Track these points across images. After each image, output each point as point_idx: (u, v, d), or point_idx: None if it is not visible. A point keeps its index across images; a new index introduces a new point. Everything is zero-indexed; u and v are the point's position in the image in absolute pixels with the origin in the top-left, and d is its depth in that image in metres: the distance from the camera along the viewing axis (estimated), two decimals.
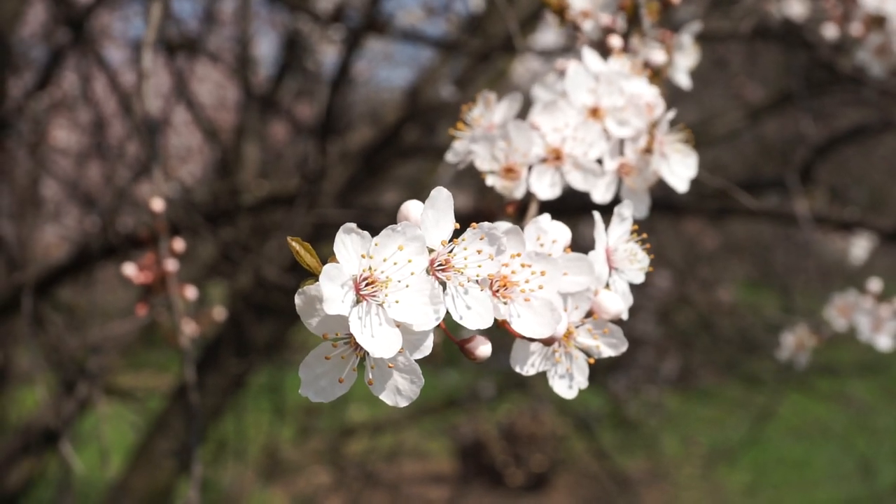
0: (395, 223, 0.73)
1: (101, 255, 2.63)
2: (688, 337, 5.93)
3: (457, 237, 0.76)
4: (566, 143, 1.04)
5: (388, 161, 3.44)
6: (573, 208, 2.17)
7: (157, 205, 1.51)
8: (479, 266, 0.75)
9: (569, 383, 0.87)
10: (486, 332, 0.78)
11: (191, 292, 1.62)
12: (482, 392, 5.81)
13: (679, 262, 5.56)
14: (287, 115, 4.31)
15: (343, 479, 5.06)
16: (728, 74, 4.51)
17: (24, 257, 3.55)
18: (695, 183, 1.12)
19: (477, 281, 0.75)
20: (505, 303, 0.78)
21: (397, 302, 0.72)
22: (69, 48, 3.32)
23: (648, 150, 1.07)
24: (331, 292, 0.69)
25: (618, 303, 0.87)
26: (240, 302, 3.17)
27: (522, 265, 0.79)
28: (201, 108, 4.11)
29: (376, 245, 0.72)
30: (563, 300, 0.85)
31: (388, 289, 0.72)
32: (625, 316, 0.88)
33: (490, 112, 1.09)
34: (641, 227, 0.95)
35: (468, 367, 6.11)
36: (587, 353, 0.87)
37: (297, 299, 0.72)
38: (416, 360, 0.74)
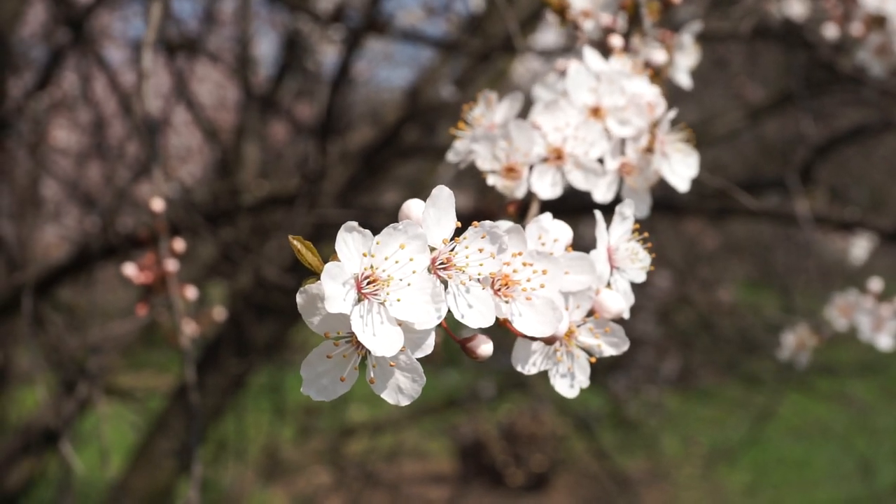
0: (396, 223, 0.73)
1: (102, 255, 2.63)
2: (688, 337, 5.93)
3: (458, 236, 0.76)
4: (567, 143, 1.04)
5: (388, 161, 3.44)
6: (574, 208, 2.17)
7: (157, 205, 1.51)
8: (481, 265, 0.75)
9: (570, 382, 0.87)
10: (487, 332, 0.78)
11: (191, 292, 1.62)
12: (482, 392, 5.80)
13: (679, 262, 5.56)
14: (287, 115, 4.32)
15: (343, 479, 5.06)
16: (728, 74, 4.51)
17: (24, 257, 3.55)
18: (695, 183, 1.12)
19: (478, 279, 0.75)
20: (506, 301, 0.78)
21: (399, 300, 0.72)
22: (69, 48, 3.32)
23: (650, 150, 1.07)
24: (332, 291, 0.69)
25: (619, 302, 0.87)
26: (240, 302, 3.17)
27: (524, 264, 0.79)
28: (201, 109, 4.11)
29: (378, 243, 0.72)
30: (565, 299, 0.85)
31: (389, 287, 0.72)
32: (626, 315, 0.88)
33: (491, 112, 1.09)
34: (642, 227, 0.95)
35: (468, 367, 6.11)
36: (589, 352, 0.87)
37: (299, 298, 0.72)
38: (418, 359, 0.74)
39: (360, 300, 0.71)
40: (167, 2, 3.08)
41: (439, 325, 0.74)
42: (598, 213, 0.91)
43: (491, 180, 1.04)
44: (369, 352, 0.72)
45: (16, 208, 3.64)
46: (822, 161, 3.21)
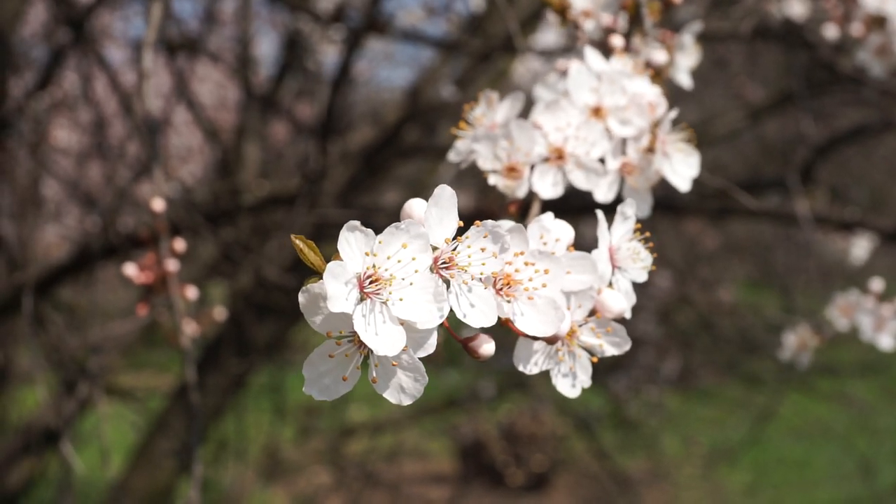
0: (395, 223, 0.73)
1: (102, 254, 2.63)
2: (688, 337, 5.93)
3: (460, 235, 0.76)
4: (568, 143, 1.04)
5: (388, 161, 3.44)
6: (575, 208, 2.17)
7: (158, 205, 1.51)
8: (483, 264, 0.75)
9: (572, 382, 0.87)
10: (489, 331, 0.78)
11: (191, 292, 1.62)
12: (482, 392, 5.81)
13: (679, 262, 5.56)
14: (288, 114, 4.32)
15: (343, 479, 5.06)
16: (729, 74, 4.52)
17: (24, 257, 3.55)
18: (695, 183, 1.12)
19: (481, 279, 0.75)
20: (508, 301, 0.78)
21: (401, 300, 0.72)
22: (70, 48, 3.32)
23: (651, 150, 1.07)
24: (335, 290, 0.69)
25: (621, 301, 0.87)
26: (240, 302, 3.17)
27: (526, 263, 0.79)
28: (202, 108, 4.11)
29: (380, 243, 0.72)
30: (567, 299, 0.85)
31: (391, 286, 0.72)
32: (628, 315, 0.88)
33: (492, 111, 1.09)
34: (643, 227, 0.95)
35: (468, 367, 6.11)
36: (590, 352, 0.87)
37: (301, 297, 0.72)
38: (420, 358, 0.74)
39: (362, 299, 0.71)
40: (168, 2, 3.08)
41: (441, 325, 0.74)
42: (600, 213, 0.91)
43: (492, 180, 1.04)
44: (371, 351, 0.71)
45: (16, 208, 3.64)
46: (822, 161, 3.21)
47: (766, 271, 6.74)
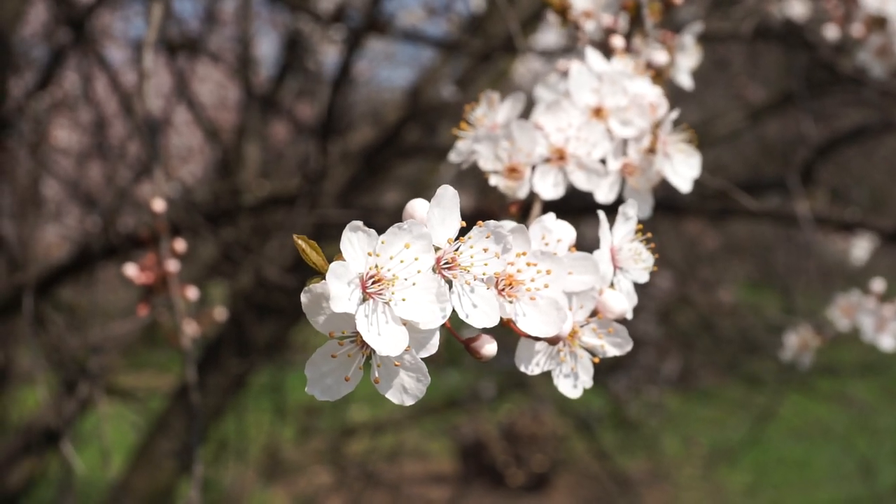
0: (396, 223, 0.73)
1: (102, 255, 2.63)
2: (689, 337, 5.93)
3: (462, 236, 0.76)
4: (570, 143, 1.04)
5: (389, 161, 3.44)
6: (576, 208, 2.17)
7: (158, 205, 1.51)
8: (486, 264, 0.75)
9: (573, 383, 0.87)
10: (490, 332, 0.78)
11: (192, 292, 1.62)
12: (483, 392, 5.81)
13: (680, 263, 5.56)
14: (288, 115, 4.32)
15: (344, 479, 5.06)
16: (729, 75, 4.52)
17: (25, 257, 3.55)
18: (696, 183, 1.12)
19: (483, 279, 0.75)
20: (510, 301, 0.78)
21: (404, 300, 0.72)
22: (70, 48, 3.32)
23: (652, 151, 1.07)
24: (337, 290, 0.69)
25: (622, 302, 0.87)
26: (241, 302, 3.17)
27: (528, 264, 0.79)
28: (202, 108, 4.12)
29: (383, 243, 0.72)
30: (568, 299, 0.85)
31: (394, 287, 0.72)
32: (629, 315, 0.88)
33: (493, 112, 1.09)
34: (643, 227, 0.95)
35: (469, 367, 6.11)
36: (592, 353, 0.87)
37: (303, 297, 0.72)
38: (423, 359, 0.74)
39: (364, 300, 0.71)
40: (168, 2, 3.08)
41: (443, 325, 0.74)
42: (601, 214, 0.91)
43: (493, 181, 1.04)
44: (374, 351, 0.72)
45: (17, 208, 3.64)
46: (822, 162, 3.21)
47: (766, 272, 6.75)
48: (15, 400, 3.88)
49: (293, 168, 4.42)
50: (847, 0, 1.87)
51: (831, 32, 1.92)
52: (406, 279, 0.72)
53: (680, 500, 5.90)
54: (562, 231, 0.87)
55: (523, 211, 1.06)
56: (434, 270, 0.74)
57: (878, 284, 2.14)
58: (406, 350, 0.71)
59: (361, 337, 0.71)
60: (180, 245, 1.57)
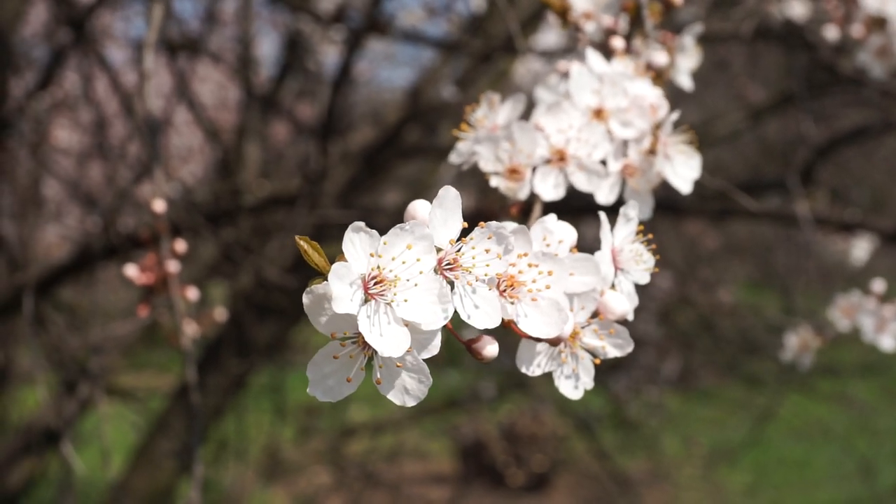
0: (397, 223, 0.73)
1: (103, 255, 2.63)
2: (689, 337, 5.93)
3: (464, 237, 0.76)
4: (570, 145, 1.04)
5: (389, 161, 3.44)
6: (576, 209, 2.17)
7: (159, 205, 1.51)
8: (487, 265, 0.75)
9: (575, 384, 0.87)
10: (490, 332, 0.78)
11: (192, 293, 1.62)
12: (483, 392, 5.81)
13: (680, 263, 5.56)
14: (288, 115, 4.32)
15: (344, 479, 5.06)
16: (729, 75, 4.52)
17: (25, 257, 3.55)
18: (696, 184, 1.12)
19: (485, 280, 0.76)
20: (512, 302, 0.78)
21: (406, 301, 0.72)
22: (70, 48, 3.33)
23: (652, 152, 1.07)
24: (340, 291, 0.69)
25: (623, 303, 0.87)
26: (241, 302, 3.17)
27: (529, 265, 0.79)
28: (202, 109, 4.12)
29: (385, 244, 0.72)
30: (570, 300, 0.85)
31: (396, 287, 0.72)
32: (630, 317, 0.88)
33: (494, 113, 1.09)
34: (644, 229, 0.95)
35: (469, 368, 6.11)
36: (593, 354, 0.87)
37: (305, 298, 0.72)
38: (424, 360, 0.74)
39: (366, 300, 0.71)
40: (169, 2, 3.08)
41: (444, 326, 0.74)
42: (602, 215, 0.91)
43: (494, 182, 1.04)
44: (376, 352, 0.72)
45: (17, 208, 3.64)
46: (822, 162, 3.21)
47: (766, 272, 6.75)
48: (15, 400, 3.88)
49: (293, 168, 4.42)
50: (847, 0, 1.87)
51: (831, 33, 1.92)
52: (408, 280, 0.72)
53: (680, 500, 5.91)
54: (563, 232, 0.87)
55: (524, 212, 1.06)
56: (436, 271, 0.74)
57: (878, 285, 2.14)
58: (408, 351, 0.71)
59: (363, 338, 0.71)
60: (181, 245, 1.57)
